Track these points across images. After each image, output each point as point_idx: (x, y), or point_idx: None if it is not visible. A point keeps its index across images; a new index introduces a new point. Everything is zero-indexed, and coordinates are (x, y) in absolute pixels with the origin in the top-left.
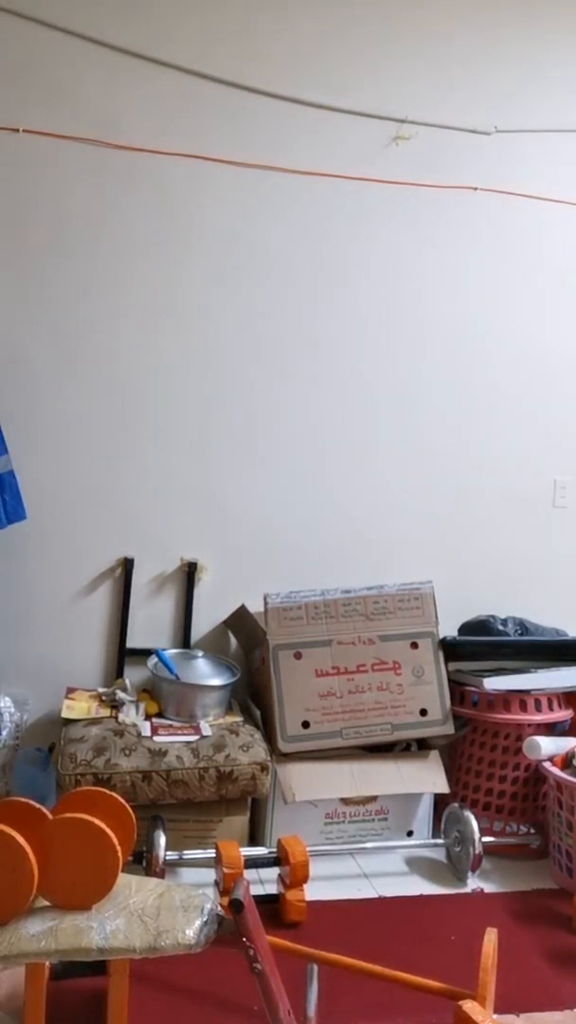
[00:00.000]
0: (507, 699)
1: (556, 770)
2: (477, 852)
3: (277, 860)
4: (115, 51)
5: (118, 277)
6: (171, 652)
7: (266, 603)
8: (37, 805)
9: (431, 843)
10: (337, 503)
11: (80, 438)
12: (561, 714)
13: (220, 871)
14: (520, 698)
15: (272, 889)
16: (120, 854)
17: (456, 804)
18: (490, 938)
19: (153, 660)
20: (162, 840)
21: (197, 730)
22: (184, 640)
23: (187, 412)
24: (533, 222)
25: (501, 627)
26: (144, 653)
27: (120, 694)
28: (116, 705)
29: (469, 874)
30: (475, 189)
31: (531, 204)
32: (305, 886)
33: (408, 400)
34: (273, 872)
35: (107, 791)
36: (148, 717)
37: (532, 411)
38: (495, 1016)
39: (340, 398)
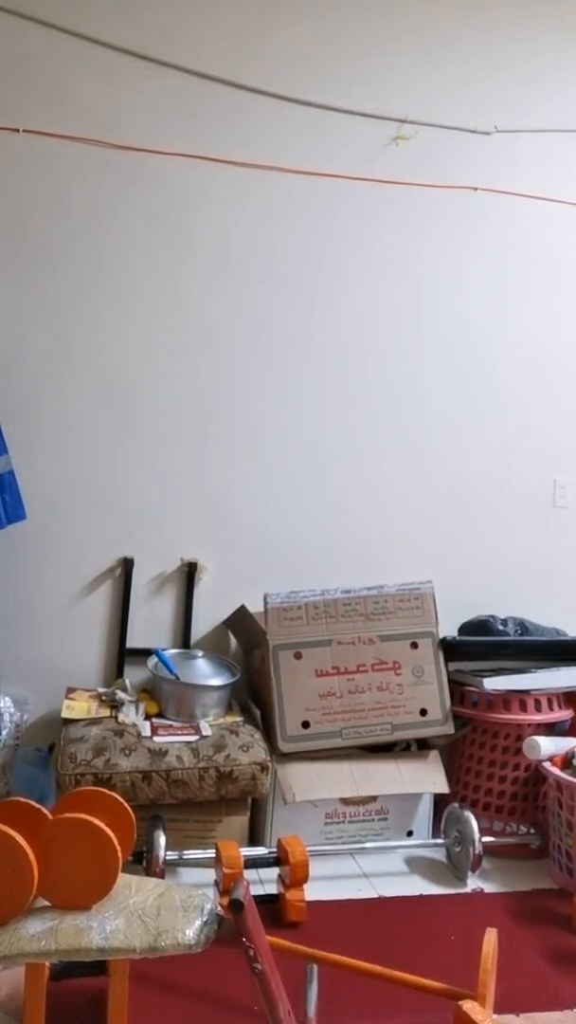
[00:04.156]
0: (507, 699)
1: (556, 770)
2: (477, 852)
3: (277, 860)
4: (115, 51)
5: (118, 277)
6: (171, 652)
7: (266, 603)
8: (37, 805)
9: (431, 843)
10: (337, 503)
11: (80, 438)
12: (561, 714)
13: (220, 871)
14: (520, 698)
15: (272, 889)
16: (120, 854)
17: (456, 804)
18: (490, 938)
19: (153, 660)
20: (162, 840)
21: (197, 730)
22: (184, 640)
23: (187, 412)
24: (533, 222)
25: (501, 627)
26: (144, 653)
27: (120, 694)
28: (116, 705)
29: (469, 874)
30: (475, 189)
31: (531, 204)
32: (305, 886)
33: (408, 399)
34: (273, 872)
35: (107, 791)
36: (148, 717)
37: (532, 411)
38: (495, 1016)
39: (340, 398)
